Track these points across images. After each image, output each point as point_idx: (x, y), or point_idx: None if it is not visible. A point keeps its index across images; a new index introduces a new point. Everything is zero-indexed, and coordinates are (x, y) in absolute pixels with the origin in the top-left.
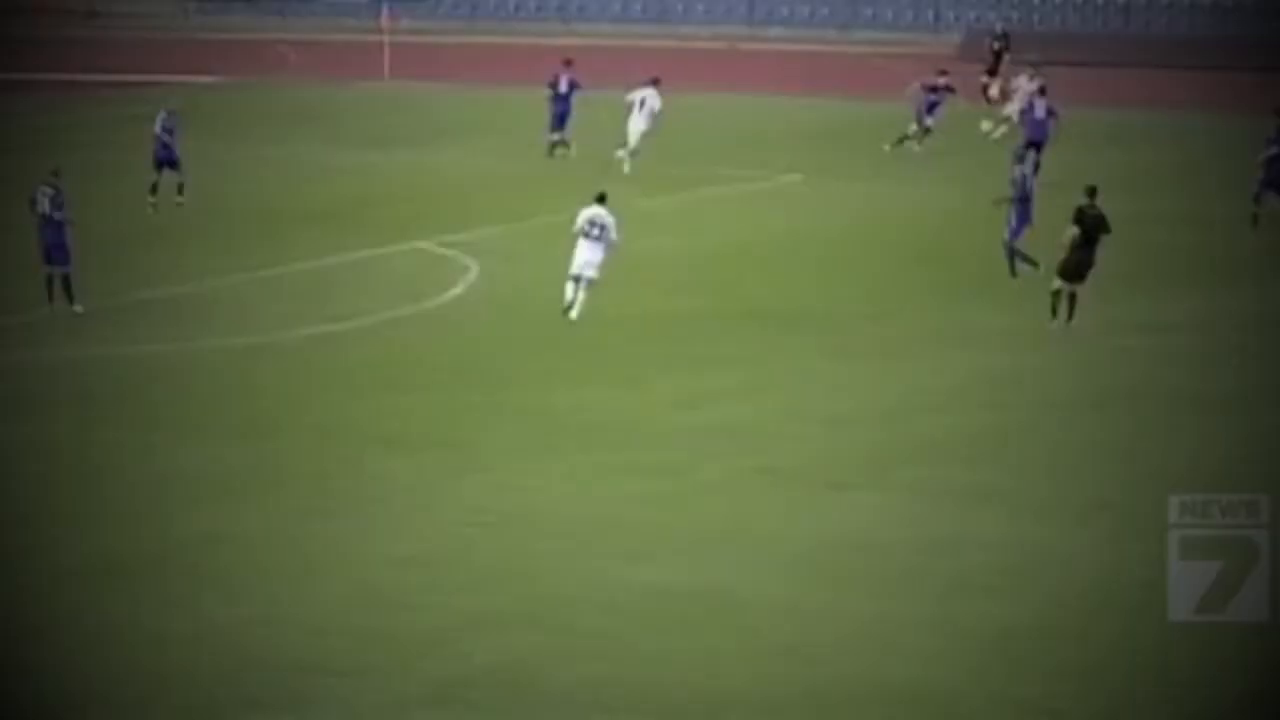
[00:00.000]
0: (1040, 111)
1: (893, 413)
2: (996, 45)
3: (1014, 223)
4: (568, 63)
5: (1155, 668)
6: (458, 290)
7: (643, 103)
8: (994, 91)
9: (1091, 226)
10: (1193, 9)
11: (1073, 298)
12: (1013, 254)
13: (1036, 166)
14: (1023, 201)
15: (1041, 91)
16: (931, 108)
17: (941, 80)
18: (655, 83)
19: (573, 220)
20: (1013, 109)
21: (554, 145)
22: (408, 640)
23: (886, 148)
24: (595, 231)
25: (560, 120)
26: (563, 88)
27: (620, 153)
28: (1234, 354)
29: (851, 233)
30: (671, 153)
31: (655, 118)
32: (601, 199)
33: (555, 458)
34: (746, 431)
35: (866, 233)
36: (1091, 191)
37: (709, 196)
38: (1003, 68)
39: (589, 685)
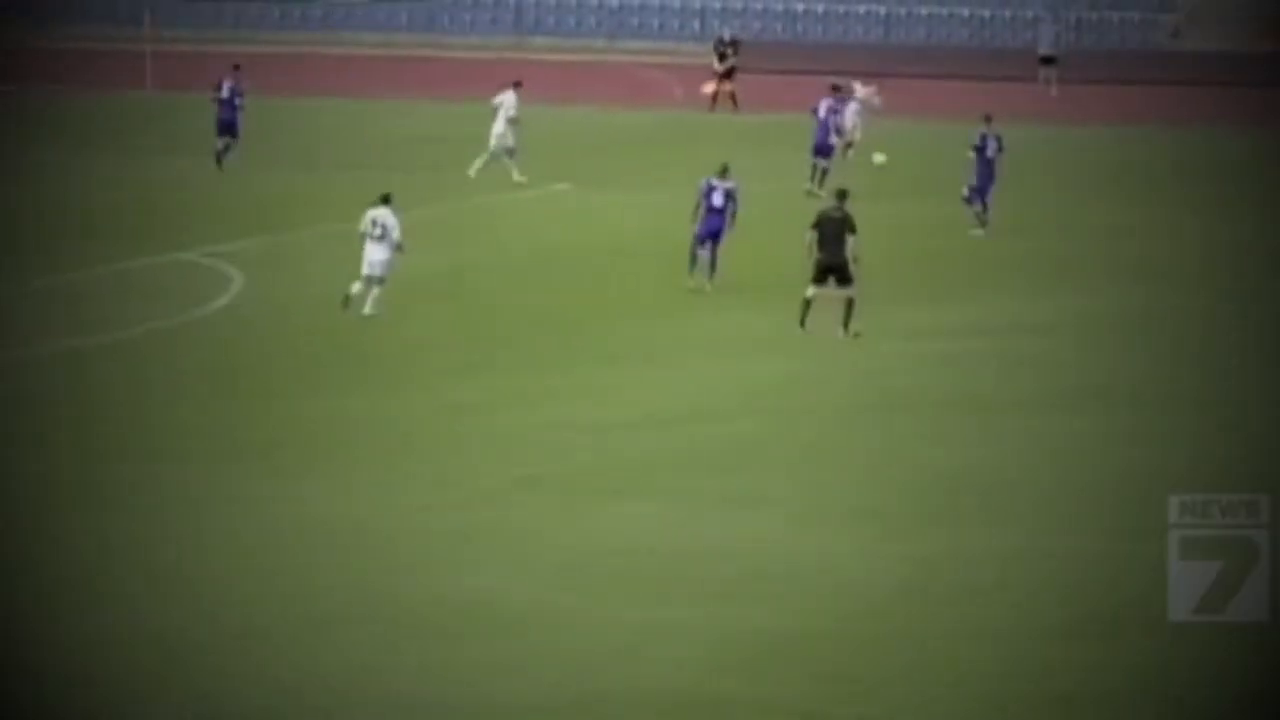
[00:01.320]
0: (823, 113)
1: (662, 420)
2: (725, 50)
3: (700, 226)
4: (235, 67)
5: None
6: (223, 301)
7: (501, 107)
8: (708, 89)
9: (831, 229)
10: (951, 20)
11: (849, 304)
12: (695, 254)
13: (823, 176)
14: (720, 207)
15: (838, 95)
16: (832, 124)
17: (838, 94)
18: (517, 86)
19: (359, 223)
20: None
21: (220, 154)
22: (168, 658)
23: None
24: (378, 232)
25: (226, 127)
26: (224, 93)
27: (479, 161)
28: (1008, 358)
29: (622, 240)
30: (439, 160)
31: (511, 122)
32: (385, 199)
33: (327, 469)
34: (516, 440)
35: (636, 240)
36: (841, 195)
37: (478, 205)
38: (721, 70)
39: (357, 697)
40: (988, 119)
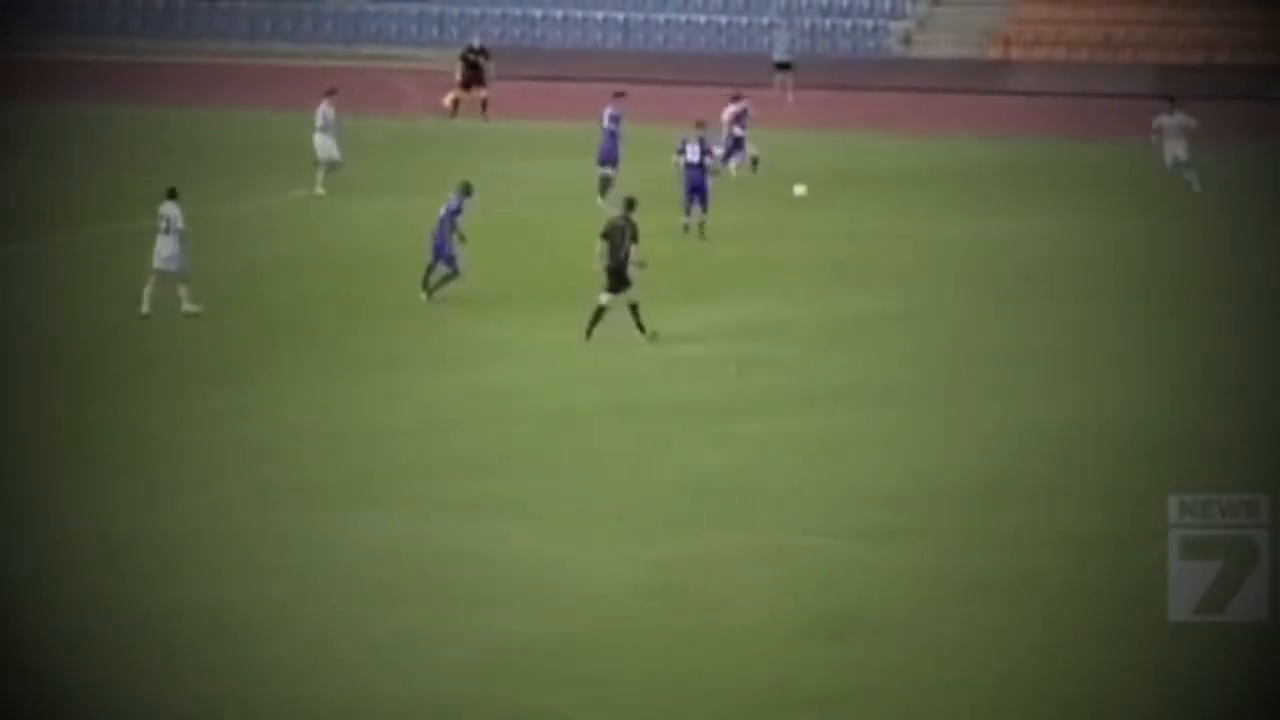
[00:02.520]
0: (606, 121)
1: (411, 426)
2: (473, 58)
3: (437, 242)
4: None
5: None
6: None
7: (324, 116)
8: (447, 101)
9: (617, 236)
10: (688, 26)
11: (634, 309)
12: (429, 271)
13: (607, 183)
14: (444, 221)
15: (618, 95)
16: (738, 143)
17: (734, 108)
18: (331, 93)
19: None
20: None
21: None
22: None
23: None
24: (164, 225)
25: None
26: None
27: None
28: (747, 361)
29: (371, 247)
30: (183, 169)
31: (329, 129)
32: (172, 194)
33: (79, 478)
34: (265, 447)
35: (386, 246)
36: (629, 204)
37: (219, 213)
38: (464, 78)
39: (100, 709)
40: (699, 124)
